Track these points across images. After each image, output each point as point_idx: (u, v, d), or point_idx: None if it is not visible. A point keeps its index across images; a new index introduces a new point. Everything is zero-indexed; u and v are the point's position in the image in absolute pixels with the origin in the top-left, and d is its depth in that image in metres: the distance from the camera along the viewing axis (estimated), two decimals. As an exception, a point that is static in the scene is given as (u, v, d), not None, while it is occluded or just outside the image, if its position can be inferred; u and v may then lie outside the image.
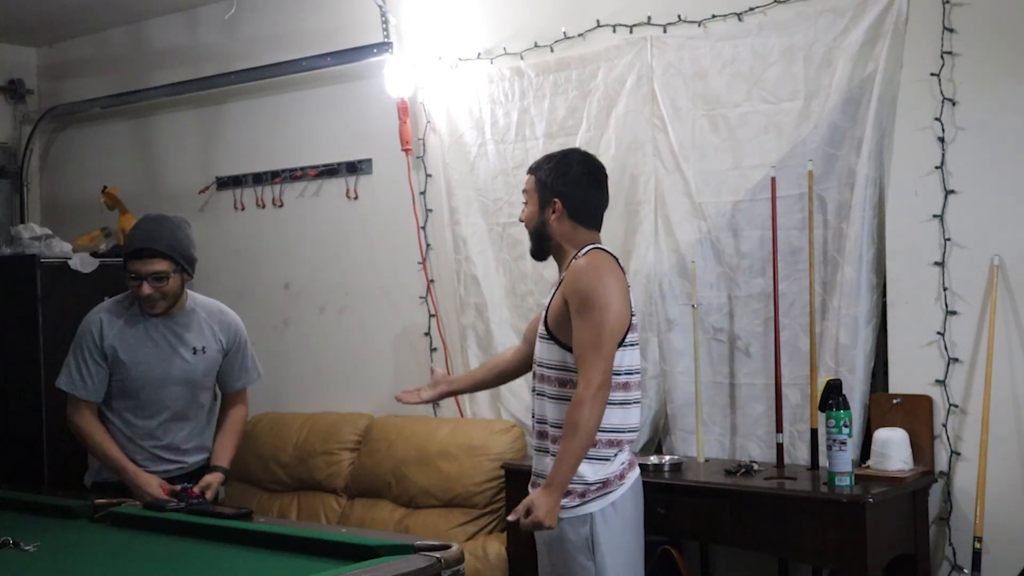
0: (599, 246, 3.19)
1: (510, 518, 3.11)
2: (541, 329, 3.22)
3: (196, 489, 3.58)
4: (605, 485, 3.10)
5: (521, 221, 3.34)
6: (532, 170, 3.31)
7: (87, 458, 3.85)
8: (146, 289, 3.62)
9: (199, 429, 3.87)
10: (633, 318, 3.17)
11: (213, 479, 3.73)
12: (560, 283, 3.19)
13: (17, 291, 5.25)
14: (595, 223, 3.25)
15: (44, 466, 5.11)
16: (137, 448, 3.75)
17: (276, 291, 5.44)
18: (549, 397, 3.17)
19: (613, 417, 3.11)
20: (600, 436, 3.08)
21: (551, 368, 3.17)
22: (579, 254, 3.17)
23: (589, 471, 3.09)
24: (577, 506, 3.10)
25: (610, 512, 3.10)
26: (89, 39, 6.18)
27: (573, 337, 3.07)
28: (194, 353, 3.78)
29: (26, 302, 5.20)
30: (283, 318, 5.41)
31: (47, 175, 6.45)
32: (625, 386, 3.14)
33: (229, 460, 3.86)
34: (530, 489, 3.22)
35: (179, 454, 3.81)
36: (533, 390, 3.27)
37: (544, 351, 3.20)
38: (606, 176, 3.30)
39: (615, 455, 3.13)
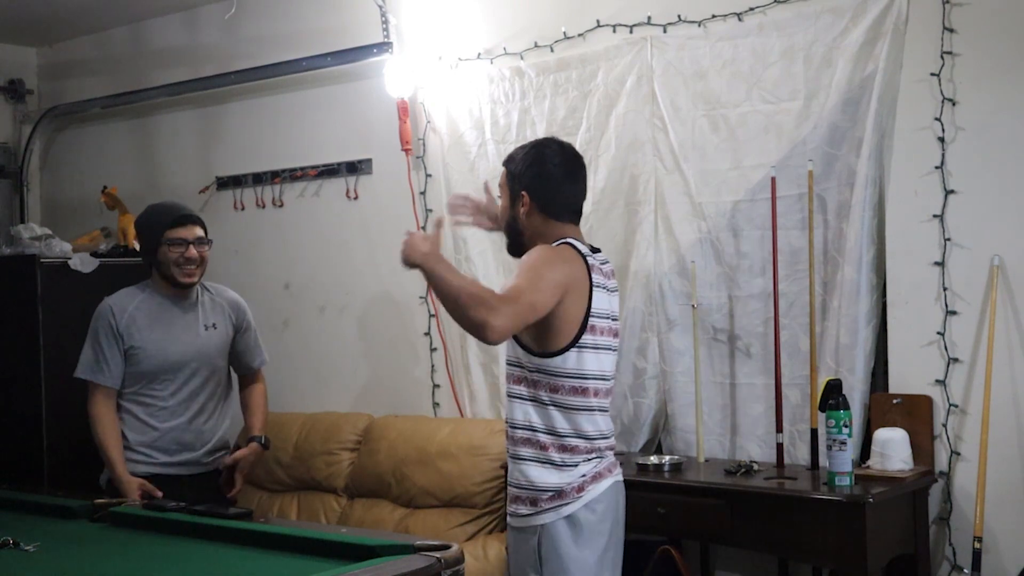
0: (570, 240, 2.93)
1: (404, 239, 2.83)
2: None
3: (228, 460, 3.83)
4: (559, 496, 2.85)
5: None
6: (505, 162, 3.07)
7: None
8: (193, 252, 3.77)
9: (215, 407, 3.88)
10: (613, 322, 2.96)
11: (248, 451, 3.86)
12: None
13: (17, 291, 5.24)
14: (570, 216, 3.00)
15: (44, 466, 5.10)
16: (159, 435, 3.75)
17: (276, 291, 5.43)
18: (508, 395, 2.96)
19: (564, 421, 2.86)
20: (548, 439, 2.86)
21: (510, 365, 2.96)
22: None
23: (537, 476, 2.86)
24: (527, 515, 2.88)
25: (563, 527, 2.84)
26: (89, 39, 6.18)
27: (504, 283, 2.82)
28: (206, 329, 3.85)
29: (26, 302, 5.19)
30: (283, 318, 5.41)
31: (47, 175, 6.45)
32: (584, 391, 2.87)
33: (262, 427, 3.97)
34: (508, 501, 3.03)
35: (200, 436, 3.82)
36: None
37: (506, 347, 2.98)
38: (582, 166, 3.06)
39: (576, 464, 2.86)
